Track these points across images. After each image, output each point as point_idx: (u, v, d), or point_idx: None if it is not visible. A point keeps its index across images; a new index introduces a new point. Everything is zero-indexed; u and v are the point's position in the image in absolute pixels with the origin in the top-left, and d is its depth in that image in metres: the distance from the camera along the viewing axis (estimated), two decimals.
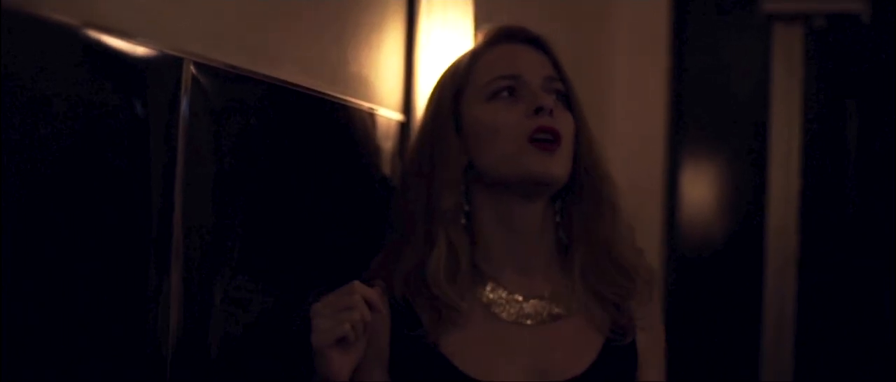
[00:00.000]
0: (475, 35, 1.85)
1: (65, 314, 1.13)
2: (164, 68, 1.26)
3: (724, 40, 3.17)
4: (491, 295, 1.54)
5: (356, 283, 1.41)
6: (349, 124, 1.66)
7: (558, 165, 1.51)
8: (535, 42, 1.60)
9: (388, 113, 1.77)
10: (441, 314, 1.49)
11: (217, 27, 1.37)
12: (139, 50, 1.22)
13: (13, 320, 1.06)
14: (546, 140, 1.50)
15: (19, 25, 1.06)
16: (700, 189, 3.18)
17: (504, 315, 1.53)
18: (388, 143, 1.77)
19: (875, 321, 3.00)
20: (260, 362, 1.46)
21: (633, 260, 1.59)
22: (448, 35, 1.82)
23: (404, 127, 1.81)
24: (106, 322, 1.18)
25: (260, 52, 1.45)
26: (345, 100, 1.64)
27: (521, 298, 1.54)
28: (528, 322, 1.54)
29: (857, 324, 3.02)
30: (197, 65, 1.30)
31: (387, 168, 1.77)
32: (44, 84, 1.09)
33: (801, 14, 3.00)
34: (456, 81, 1.57)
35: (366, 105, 1.70)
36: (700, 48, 3.15)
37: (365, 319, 1.40)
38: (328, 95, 1.60)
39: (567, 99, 1.57)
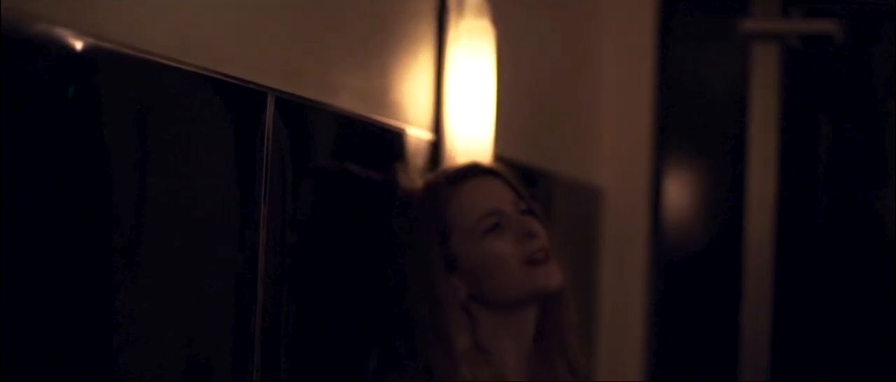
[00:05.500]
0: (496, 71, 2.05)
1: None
2: (250, 101, 1.45)
3: (706, 58, 3.34)
4: None
5: None
6: (397, 146, 1.85)
7: (556, 273, 1.68)
8: (493, 172, 1.74)
9: (419, 132, 1.96)
10: None
11: (291, 63, 1.56)
12: (229, 84, 1.40)
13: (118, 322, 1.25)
14: (540, 258, 1.67)
15: (116, 61, 1.20)
16: (683, 197, 3.34)
17: None
18: (418, 160, 1.96)
19: (846, 322, 3.19)
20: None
21: (582, 360, 1.76)
22: (473, 63, 2.02)
23: (435, 145, 2.00)
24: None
25: (324, 84, 1.65)
26: (390, 125, 1.83)
27: None
28: None
29: (831, 323, 3.20)
30: (278, 99, 1.49)
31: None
32: (143, 116, 1.28)
33: (778, 34, 3.13)
34: (437, 226, 1.68)
35: (409, 128, 1.89)
36: (684, 65, 3.32)
37: None
38: (378, 121, 1.79)
39: (532, 212, 1.72)
